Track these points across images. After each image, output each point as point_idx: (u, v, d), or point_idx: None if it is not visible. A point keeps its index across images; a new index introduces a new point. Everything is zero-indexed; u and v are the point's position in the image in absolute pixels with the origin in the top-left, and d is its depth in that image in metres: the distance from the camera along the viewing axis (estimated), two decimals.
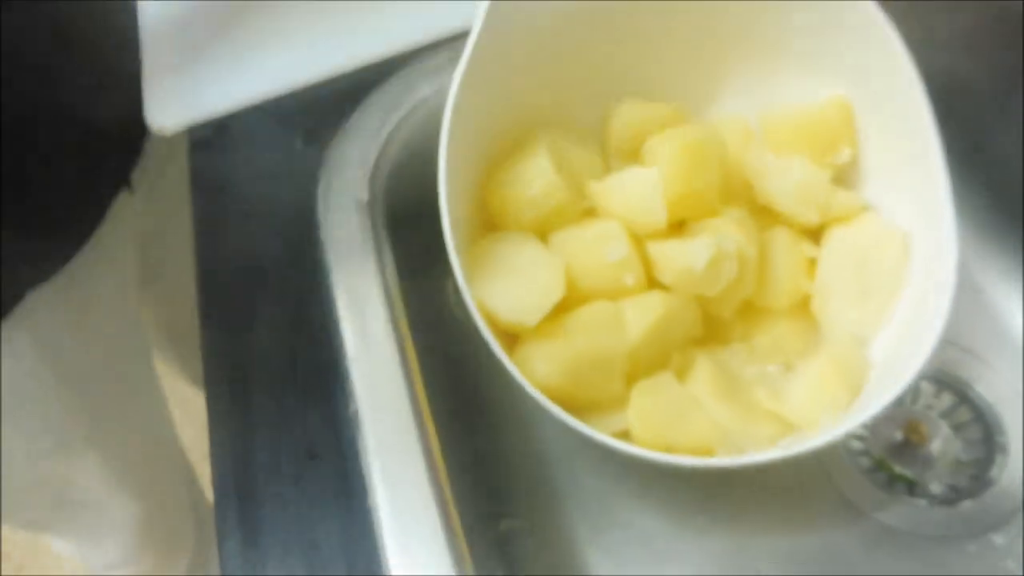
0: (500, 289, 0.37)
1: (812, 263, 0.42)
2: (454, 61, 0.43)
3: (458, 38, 0.45)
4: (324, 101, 0.43)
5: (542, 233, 0.40)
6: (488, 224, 0.41)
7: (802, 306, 0.42)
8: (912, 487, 0.42)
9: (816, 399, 0.39)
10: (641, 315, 0.38)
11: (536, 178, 0.39)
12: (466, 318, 0.36)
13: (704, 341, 0.42)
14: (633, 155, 0.43)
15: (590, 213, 0.40)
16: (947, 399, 0.45)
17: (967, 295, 0.35)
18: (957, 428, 0.44)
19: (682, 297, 0.39)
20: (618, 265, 0.38)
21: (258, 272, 0.39)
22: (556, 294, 0.37)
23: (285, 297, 0.38)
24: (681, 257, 0.37)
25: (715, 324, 0.42)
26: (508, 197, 0.39)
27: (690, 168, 0.38)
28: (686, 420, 0.38)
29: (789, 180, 0.40)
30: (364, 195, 0.38)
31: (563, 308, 0.38)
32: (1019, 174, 0.42)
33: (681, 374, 0.40)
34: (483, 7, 0.37)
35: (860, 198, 0.41)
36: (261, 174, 0.42)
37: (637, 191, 0.38)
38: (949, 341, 0.37)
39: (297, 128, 0.43)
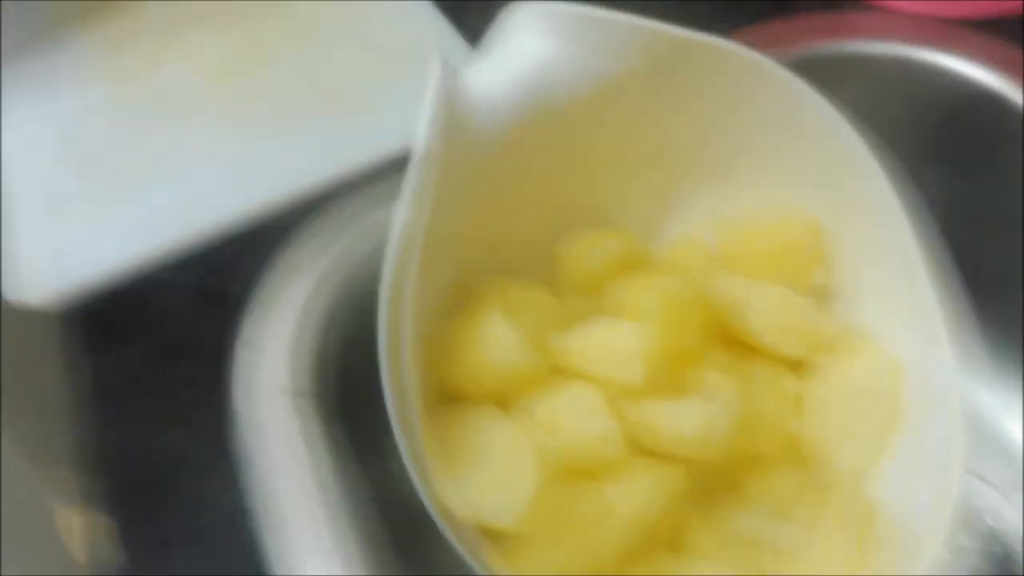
0: (465, 486, 0.31)
1: (798, 400, 0.38)
2: (378, 200, 0.38)
3: (378, 172, 0.40)
4: (230, 257, 0.36)
5: (504, 397, 0.34)
6: (439, 391, 0.35)
7: (791, 447, 0.38)
8: None
9: (827, 561, 0.34)
10: (629, 494, 0.33)
11: (492, 342, 0.33)
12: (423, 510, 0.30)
13: (690, 494, 0.37)
14: (592, 291, 0.38)
15: (557, 370, 0.35)
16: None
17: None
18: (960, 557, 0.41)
19: (669, 462, 0.34)
20: (598, 437, 0.33)
21: (160, 476, 0.32)
22: (531, 486, 0.31)
23: (196, 511, 0.31)
24: (669, 423, 0.33)
25: (700, 474, 0.37)
26: (462, 365, 0.33)
27: (673, 325, 0.33)
28: None
29: (768, 311, 0.37)
30: (286, 379, 0.32)
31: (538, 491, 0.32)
32: (1000, 276, 0.40)
33: (674, 542, 0.35)
34: (421, 148, 0.31)
35: (844, 324, 0.38)
36: (157, 352, 0.35)
37: (611, 348, 0.33)
38: None
39: (201, 292, 0.36)
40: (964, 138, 0.39)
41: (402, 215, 0.31)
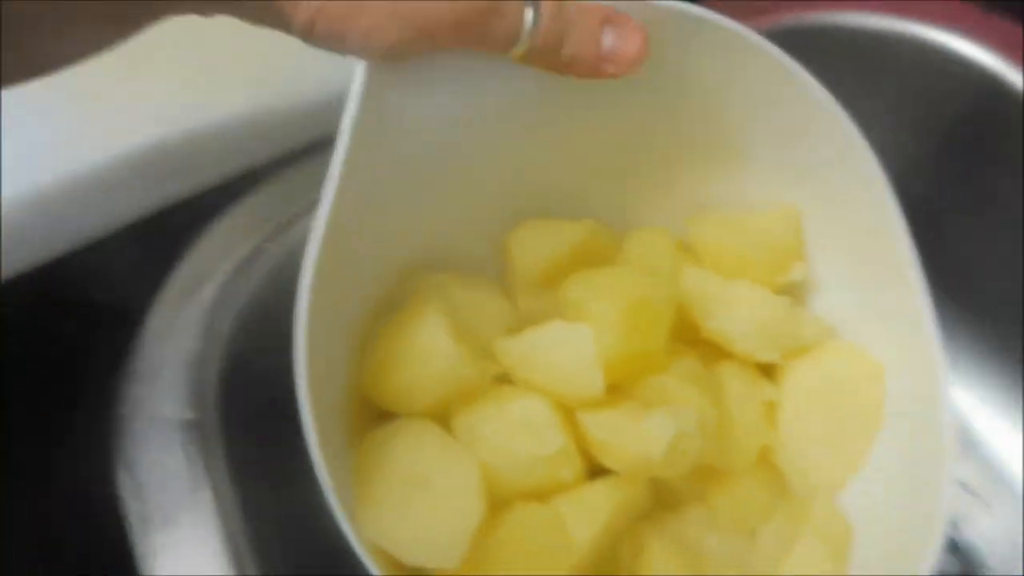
0: (398, 522, 0.27)
1: (771, 407, 0.34)
2: (294, 193, 0.33)
3: (295, 159, 0.34)
4: (119, 263, 0.31)
5: (443, 413, 0.30)
6: (370, 409, 0.30)
7: (763, 459, 0.34)
8: None
9: None
10: (587, 520, 0.29)
11: (427, 350, 0.29)
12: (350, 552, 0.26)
13: (652, 512, 0.34)
14: (544, 286, 0.34)
15: (503, 379, 0.31)
16: None
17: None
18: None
19: (631, 482, 0.31)
20: (551, 457, 0.29)
21: (33, 527, 0.27)
22: (474, 517, 0.27)
23: (79, 568, 0.26)
24: (632, 441, 0.29)
25: (662, 489, 0.34)
26: (394, 378, 0.29)
27: (635, 327, 0.29)
28: None
29: (741, 311, 0.33)
30: (184, 407, 0.27)
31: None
32: (993, 271, 0.37)
33: (635, 566, 0.32)
34: (345, 127, 0.27)
35: (823, 324, 0.34)
36: (27, 378, 0.30)
37: (564, 355, 0.29)
38: None
39: (85, 304, 0.30)
40: (957, 122, 0.36)
41: (322, 208, 0.27)
